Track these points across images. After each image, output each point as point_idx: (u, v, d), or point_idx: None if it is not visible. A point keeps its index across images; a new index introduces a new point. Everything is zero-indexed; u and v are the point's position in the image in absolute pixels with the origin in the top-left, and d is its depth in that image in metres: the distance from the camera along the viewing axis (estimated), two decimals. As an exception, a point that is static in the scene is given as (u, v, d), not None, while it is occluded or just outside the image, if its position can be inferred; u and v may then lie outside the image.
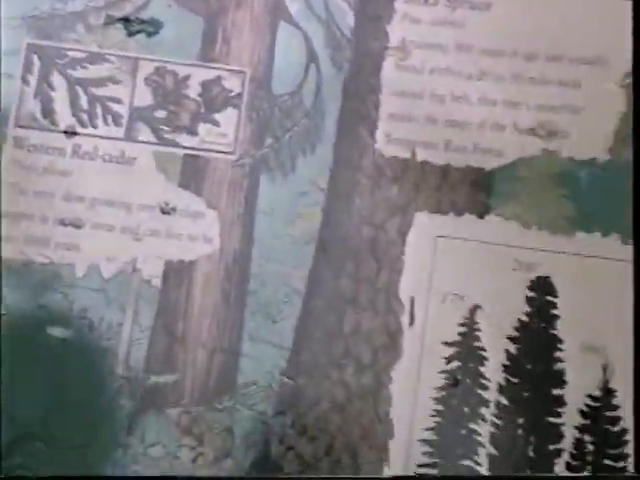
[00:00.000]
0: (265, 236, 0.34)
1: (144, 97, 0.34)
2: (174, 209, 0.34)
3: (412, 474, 0.32)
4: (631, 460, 0.32)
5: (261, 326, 0.34)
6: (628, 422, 0.32)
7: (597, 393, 0.32)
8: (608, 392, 0.32)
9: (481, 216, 0.33)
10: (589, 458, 0.32)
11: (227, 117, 0.34)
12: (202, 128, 0.34)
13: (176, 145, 0.34)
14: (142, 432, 0.33)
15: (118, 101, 0.34)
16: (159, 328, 0.34)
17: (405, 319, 0.33)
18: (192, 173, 0.34)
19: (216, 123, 0.34)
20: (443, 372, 0.33)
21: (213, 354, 0.34)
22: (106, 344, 0.34)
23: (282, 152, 0.34)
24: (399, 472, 0.32)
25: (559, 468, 0.32)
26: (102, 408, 0.33)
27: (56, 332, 0.34)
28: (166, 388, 0.33)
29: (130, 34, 0.34)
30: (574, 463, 0.32)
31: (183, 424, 0.33)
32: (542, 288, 0.33)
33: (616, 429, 0.32)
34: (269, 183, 0.34)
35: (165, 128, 0.34)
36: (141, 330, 0.34)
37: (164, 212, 0.34)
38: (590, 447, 0.32)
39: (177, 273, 0.34)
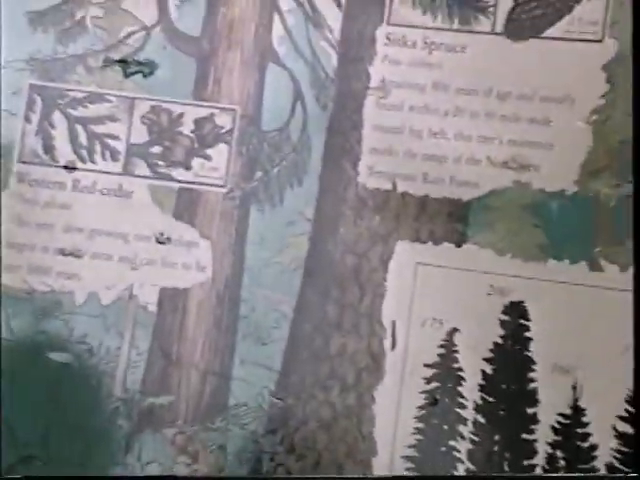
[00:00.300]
0: (255, 264, 0.36)
1: (140, 134, 0.36)
2: (169, 239, 0.36)
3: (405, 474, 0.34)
4: (602, 474, 0.34)
5: (251, 349, 0.36)
6: (597, 438, 0.34)
7: (568, 411, 0.34)
8: (578, 410, 0.34)
9: (458, 245, 0.35)
10: (561, 473, 0.34)
11: (219, 152, 0.36)
12: (195, 162, 0.36)
13: (171, 179, 0.36)
14: (139, 451, 0.35)
15: (116, 138, 0.36)
16: (155, 352, 0.36)
17: (387, 342, 0.35)
18: (186, 205, 0.36)
19: (208, 158, 0.36)
20: (423, 392, 0.35)
21: (206, 376, 0.36)
22: (104, 367, 0.35)
23: (271, 185, 0.36)
24: (382, 487, 0.34)
25: (533, 482, 0.34)
26: (101, 428, 0.35)
27: (57, 357, 0.35)
28: (162, 409, 0.35)
29: (127, 75, 0.36)
30: (548, 477, 0.34)
31: (178, 443, 0.35)
32: (516, 312, 0.35)
33: (586, 445, 0.34)
34: (259, 214, 0.36)
35: (160, 163, 0.36)
36: (138, 354, 0.36)
37: (159, 242, 0.36)
38: (562, 462, 0.34)
39: (172, 300, 0.36)
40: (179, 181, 0.36)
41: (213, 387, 0.35)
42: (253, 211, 0.36)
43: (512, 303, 0.35)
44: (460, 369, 0.35)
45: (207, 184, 0.36)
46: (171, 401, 0.35)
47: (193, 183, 0.36)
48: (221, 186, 0.36)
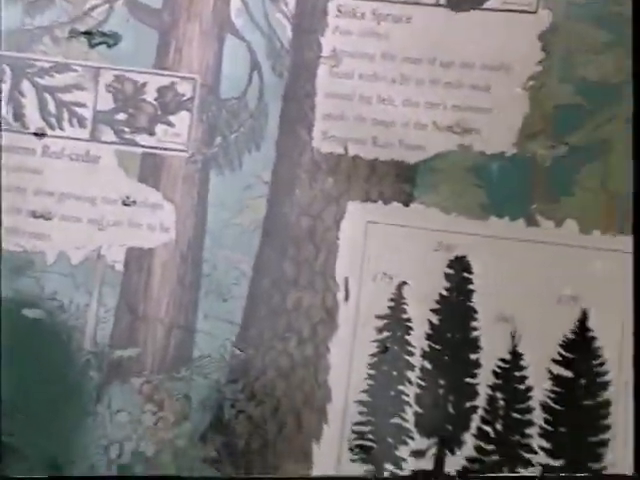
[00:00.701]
0: (216, 225, 0.38)
1: (106, 102, 0.38)
2: (134, 202, 0.38)
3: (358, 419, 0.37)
4: (537, 413, 0.36)
5: (213, 305, 0.38)
6: (533, 380, 0.36)
7: (507, 356, 0.37)
8: (516, 355, 0.37)
9: (406, 204, 0.38)
10: (500, 412, 0.37)
11: (181, 119, 0.38)
12: (159, 129, 0.38)
13: (135, 144, 0.38)
14: (109, 400, 0.37)
15: (83, 106, 0.38)
16: (122, 308, 0.38)
17: (341, 296, 0.38)
18: (150, 169, 0.38)
19: (171, 124, 0.38)
20: (375, 341, 0.38)
21: (171, 330, 0.38)
22: (75, 323, 0.37)
23: (230, 150, 0.38)
24: (337, 430, 0.37)
25: (475, 423, 0.37)
26: (72, 380, 0.37)
27: (30, 313, 0.37)
28: (129, 361, 0.37)
29: (92, 46, 0.38)
30: (487, 417, 0.37)
31: (145, 392, 0.37)
32: (460, 266, 0.37)
33: (523, 387, 0.36)
34: (219, 178, 0.38)
35: (125, 129, 0.38)
36: (106, 310, 0.38)
37: (125, 204, 0.38)
38: (501, 403, 0.37)
39: (138, 259, 0.38)
40: (143, 146, 0.38)
41: (178, 340, 0.38)
42: (213, 175, 0.38)
43: (456, 258, 0.37)
44: (408, 319, 0.37)
45: (170, 149, 0.38)
46: (138, 353, 0.38)
47: (157, 148, 0.38)
48: (183, 151, 0.38)
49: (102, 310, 0.38)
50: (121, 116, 0.38)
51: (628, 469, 0.35)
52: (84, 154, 0.38)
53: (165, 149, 0.38)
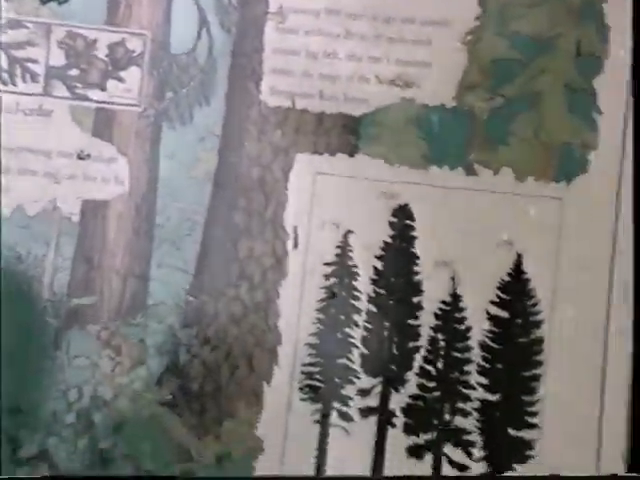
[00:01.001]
0: (169, 177, 0.40)
1: (58, 58, 0.39)
2: (89, 155, 0.39)
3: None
4: (476, 352, 0.38)
5: (167, 254, 0.39)
6: (472, 321, 0.38)
7: (447, 299, 0.39)
8: (455, 298, 0.39)
9: (351, 155, 0.39)
10: (441, 352, 0.39)
11: (132, 74, 0.39)
12: (110, 84, 0.39)
13: (88, 99, 0.39)
14: (67, 346, 0.39)
15: (35, 62, 0.39)
16: (79, 258, 0.39)
17: (290, 245, 0.39)
18: (103, 124, 0.39)
19: (122, 80, 0.39)
20: (323, 287, 0.39)
21: (126, 279, 0.39)
22: (33, 272, 0.39)
23: (181, 104, 0.40)
24: (287, 371, 0.39)
25: (417, 362, 0.39)
26: (32, 327, 0.39)
27: (-12, 264, 0.39)
28: (87, 308, 0.39)
29: (43, 2, 0.39)
30: (429, 357, 0.39)
31: (103, 338, 0.39)
32: (403, 214, 0.39)
33: (462, 327, 0.39)
34: (170, 131, 0.40)
35: (78, 85, 0.39)
36: (63, 260, 0.39)
37: (80, 158, 0.39)
38: (442, 343, 0.39)
39: (93, 211, 0.39)
40: (96, 101, 0.39)
41: (133, 288, 0.39)
42: (165, 129, 0.40)
43: (399, 206, 0.39)
44: (355, 266, 0.39)
45: (122, 104, 0.39)
46: (95, 301, 0.39)
47: (109, 103, 0.39)
48: (135, 105, 0.39)
49: (60, 260, 0.39)
50: (73, 72, 0.39)
51: (561, 403, 0.38)
52: (38, 109, 0.39)
53: (117, 104, 0.39)
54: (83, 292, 0.39)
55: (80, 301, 0.39)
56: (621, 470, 0.36)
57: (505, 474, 0.38)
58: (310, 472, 0.38)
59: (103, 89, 0.39)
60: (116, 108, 0.39)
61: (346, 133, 0.39)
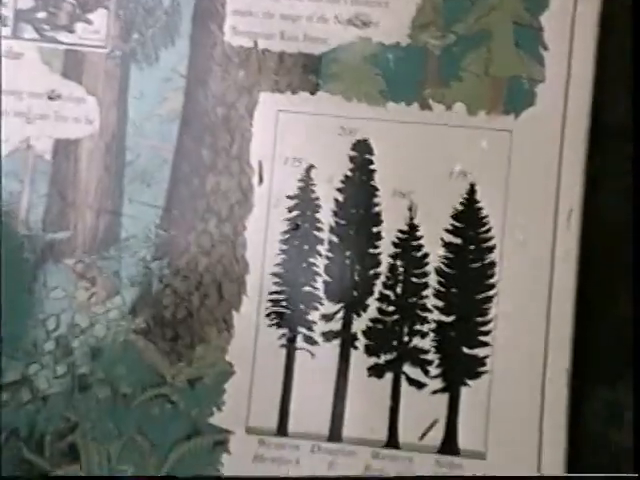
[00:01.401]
0: (137, 117, 0.41)
1: (26, 1, 0.40)
2: (59, 96, 0.41)
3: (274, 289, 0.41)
4: (432, 277, 0.41)
5: (138, 190, 0.41)
6: (428, 248, 0.41)
7: (405, 228, 0.41)
8: (413, 227, 0.41)
9: (312, 93, 0.41)
10: (400, 278, 0.41)
11: (99, 16, 0.41)
12: (78, 26, 0.41)
13: (57, 41, 0.41)
14: (44, 279, 0.41)
15: (4, 5, 0.40)
16: (53, 194, 0.41)
17: (255, 180, 0.41)
18: (73, 65, 0.41)
19: (90, 22, 0.41)
20: (287, 219, 0.41)
21: (99, 214, 0.41)
22: (8, 209, 0.40)
23: (147, 45, 0.41)
24: (255, 299, 0.41)
25: (377, 288, 0.41)
26: (9, 261, 0.40)
27: (-35, 202, 0.40)
28: (61, 243, 0.41)
29: (10, -54, 0.40)
30: (388, 283, 0.41)
31: (78, 271, 0.41)
32: (362, 149, 0.41)
33: (419, 254, 0.41)
34: (138, 72, 0.41)
35: (46, 27, 0.41)
36: (38, 197, 0.41)
37: (50, 98, 0.41)
38: (401, 269, 0.41)
39: (65, 149, 0.41)
40: (65, 43, 0.41)
41: (106, 223, 0.41)
42: (133, 69, 0.41)
43: (359, 141, 0.41)
44: (317, 199, 0.41)
45: (90, 46, 0.41)
46: (69, 236, 0.41)
47: (77, 45, 0.41)
48: (102, 47, 0.41)
49: (34, 197, 0.41)
50: (41, 14, 0.40)
51: (511, 322, 0.40)
52: (8, 51, 0.40)
53: (85, 46, 0.41)
54: (58, 227, 0.41)
55: (55, 236, 0.41)
56: (564, 378, 0.39)
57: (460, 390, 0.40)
58: (278, 392, 0.40)
59: (71, 31, 0.41)
60: (84, 50, 0.41)
61: (307, 72, 0.41)
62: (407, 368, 0.41)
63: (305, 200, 0.41)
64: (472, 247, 0.41)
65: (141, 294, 0.41)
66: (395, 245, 0.41)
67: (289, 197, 0.41)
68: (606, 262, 0.41)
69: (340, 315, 0.41)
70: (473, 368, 0.40)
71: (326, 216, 0.41)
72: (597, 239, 0.40)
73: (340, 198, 0.41)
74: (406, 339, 0.41)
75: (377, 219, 0.41)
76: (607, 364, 0.41)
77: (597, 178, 0.41)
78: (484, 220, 0.41)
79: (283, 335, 0.41)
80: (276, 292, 0.41)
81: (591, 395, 0.41)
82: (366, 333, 0.41)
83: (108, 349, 0.41)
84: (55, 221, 0.41)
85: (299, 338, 0.41)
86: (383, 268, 0.41)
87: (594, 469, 0.40)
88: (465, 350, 0.40)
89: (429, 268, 0.41)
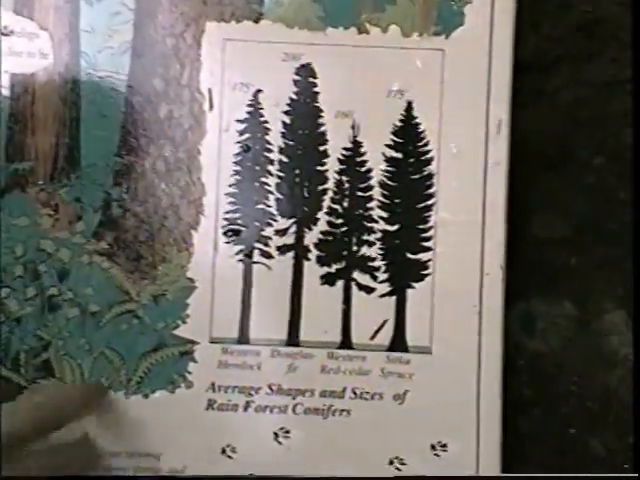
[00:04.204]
0: (89, 49, 0.43)
1: (-26, -61, 0.42)
2: (12, 32, 0.43)
3: (228, 208, 0.44)
4: (376, 190, 0.44)
5: (94, 121, 0.43)
6: (371, 163, 0.44)
7: (349, 145, 0.44)
8: (356, 144, 0.44)
9: (256, 22, 0.43)
10: (347, 192, 0.44)
11: (47, -47, 0.43)
12: (27, -37, 0.43)
13: (7, -22, 0.42)
14: (9, 208, 0.43)
15: (-47, -57, 0.42)
16: (13, 127, 0.43)
17: (206, 106, 0.44)
18: (24, 1, 0.43)
19: (38, -41, 0.43)
20: (238, 142, 0.44)
21: (58, 144, 0.43)
22: (-29, 138, 0.42)
23: (95, -20, 0.43)
24: (212, 219, 0.43)
25: (326, 203, 0.44)
26: (-26, 193, 0.42)
27: None
28: (24, 172, 0.43)
29: None
30: (336, 197, 0.44)
31: (41, 199, 0.43)
32: (305, 72, 0.44)
33: (363, 169, 0.44)
34: (88, 7, 0.43)
35: (-4, -36, 0.42)
36: (-2, 130, 0.43)
37: (4, 34, 0.42)
38: (347, 185, 0.44)
39: (22, 84, 0.43)
40: (15, -20, 0.42)
41: (65, 152, 0.43)
42: (82, 4, 0.43)
43: (302, 65, 0.44)
44: (266, 122, 0.44)
45: (40, -18, 0.43)
46: (31, 166, 0.43)
47: (27, -19, 0.42)
48: (52, -17, 0.43)
49: (-6, 130, 0.43)
50: (-9, -48, 0.42)
51: (449, 227, 0.43)
52: (-40, -11, 0.42)
53: (35, -18, 0.42)
54: (19, 157, 0.43)
55: (17, 166, 0.43)
56: (500, 274, 0.43)
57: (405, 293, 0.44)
58: (238, 303, 0.43)
59: (20, -32, 0.42)
60: (34, -14, 0.43)
61: (250, 1, 0.43)
62: (357, 275, 0.44)
63: (254, 123, 0.44)
64: (411, 160, 0.44)
65: (102, 219, 0.43)
66: (340, 162, 0.44)
67: (239, 121, 0.44)
68: (535, 169, 0.45)
69: (293, 230, 0.44)
70: (417, 272, 0.44)
71: (275, 138, 0.44)
72: (526, 147, 0.44)
73: (287, 120, 0.44)
74: (355, 249, 0.44)
75: (323, 138, 0.44)
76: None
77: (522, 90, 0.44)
78: (421, 135, 0.44)
79: (240, 251, 0.44)
80: (232, 211, 0.44)
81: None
82: (317, 245, 0.44)
83: (75, 271, 0.43)
84: (17, 152, 0.43)
85: (255, 253, 0.44)
86: (330, 184, 0.44)
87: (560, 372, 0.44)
88: (409, 256, 0.44)
89: (373, 182, 0.44)
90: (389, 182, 0.44)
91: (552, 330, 0.45)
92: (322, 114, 0.44)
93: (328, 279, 0.44)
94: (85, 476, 0.42)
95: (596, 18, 0.45)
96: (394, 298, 0.44)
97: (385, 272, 0.44)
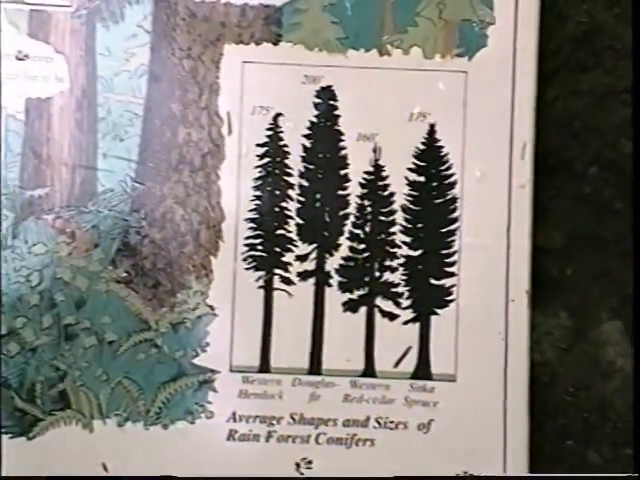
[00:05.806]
0: (106, 73, 0.42)
1: (-11, -38, 0.41)
2: (27, 56, 0.42)
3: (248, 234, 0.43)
4: (399, 215, 0.43)
5: (111, 145, 0.42)
6: (394, 187, 0.43)
7: (370, 169, 0.43)
8: (378, 168, 0.43)
9: (275, 44, 0.43)
10: (369, 217, 0.43)
11: (62, -24, 0.42)
12: (42, -14, 0.42)
13: (21, 2, 0.41)
14: (24, 236, 0.42)
15: (-33, -33, 0.41)
16: (28, 153, 0.42)
17: (225, 130, 0.43)
18: (39, 25, 0.42)
19: (54, -19, 0.42)
20: (257, 167, 0.43)
21: (75, 170, 0.42)
22: (-16, 169, 0.42)
23: (111, 3, 0.42)
24: (231, 245, 0.43)
25: (348, 228, 0.43)
26: (-12, 220, 0.42)
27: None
28: (39, 199, 0.42)
29: None
30: (358, 222, 0.43)
31: (57, 226, 0.42)
32: (326, 95, 0.43)
33: (385, 193, 0.43)
34: (104, 30, 0.42)
35: (10, -12, 0.41)
36: (13, 156, 0.42)
37: (19, 59, 0.42)
38: (369, 209, 0.43)
39: (37, 108, 0.42)
40: (29, 3, 0.41)
41: (82, 178, 0.42)
42: (99, 28, 0.42)
43: (322, 88, 0.43)
44: (285, 145, 0.43)
45: (54, 5, 0.41)
46: (47, 192, 0.42)
47: (42, 5, 0.41)
48: (67, 6, 0.42)
49: (9, 156, 0.42)
50: (5, -25, 0.41)
51: (474, 252, 0.43)
52: (-27, 13, 0.41)
53: (50, 5, 0.41)
54: (35, 184, 0.42)
55: (33, 193, 0.42)
56: (525, 299, 0.42)
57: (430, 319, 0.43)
58: (258, 331, 0.42)
59: (36, -9, 0.41)
60: (49, 9, 0.42)
61: (269, 23, 0.43)
62: (379, 301, 0.43)
63: (274, 147, 0.43)
64: (435, 184, 0.43)
65: (120, 246, 0.42)
66: (362, 186, 0.43)
67: (259, 145, 0.43)
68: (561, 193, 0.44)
69: (314, 255, 0.43)
70: (441, 298, 0.43)
71: (295, 162, 0.43)
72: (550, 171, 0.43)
73: (307, 144, 0.43)
74: (377, 274, 0.43)
75: (344, 162, 0.43)
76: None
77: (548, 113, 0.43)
78: (444, 158, 0.43)
79: (260, 277, 0.43)
80: (251, 237, 0.43)
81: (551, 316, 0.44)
82: (339, 271, 0.43)
83: (92, 299, 0.42)
84: (32, 179, 0.42)
85: (276, 279, 0.43)
86: (352, 208, 0.43)
87: (556, 383, 0.43)
88: (433, 281, 0.43)
89: (395, 206, 0.43)
90: (412, 206, 0.43)
91: (548, 340, 0.44)
92: (343, 137, 0.43)
93: (350, 306, 0.43)
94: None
95: (592, 29, 0.44)
96: (418, 325, 0.43)
97: (408, 298, 0.43)
